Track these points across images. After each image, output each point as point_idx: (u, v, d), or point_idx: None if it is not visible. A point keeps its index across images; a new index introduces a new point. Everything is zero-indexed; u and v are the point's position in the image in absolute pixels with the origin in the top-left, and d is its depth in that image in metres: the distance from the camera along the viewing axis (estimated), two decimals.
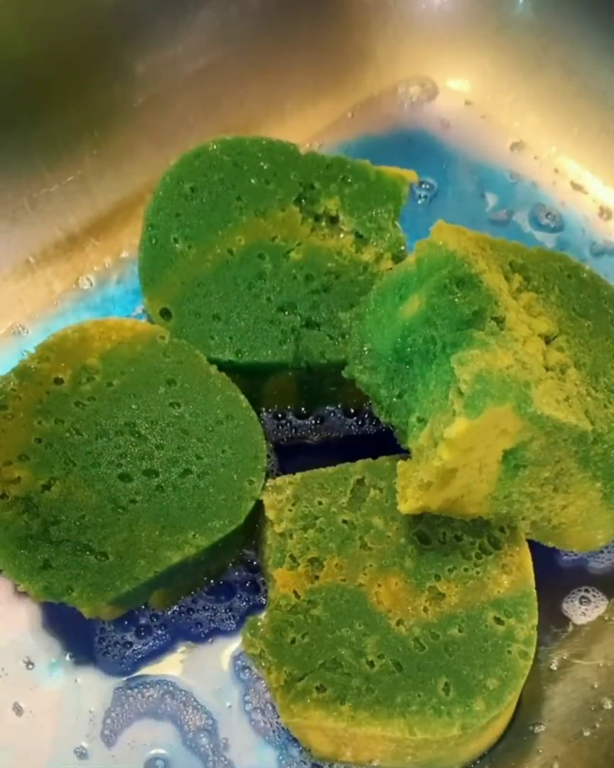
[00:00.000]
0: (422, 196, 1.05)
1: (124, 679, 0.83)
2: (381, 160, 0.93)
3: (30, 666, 0.84)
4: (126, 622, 0.85)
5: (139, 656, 0.84)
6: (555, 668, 0.84)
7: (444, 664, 0.75)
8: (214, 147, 0.91)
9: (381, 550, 0.79)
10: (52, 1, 0.94)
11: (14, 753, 0.81)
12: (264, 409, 0.92)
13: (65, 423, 0.82)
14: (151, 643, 0.84)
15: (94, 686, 0.83)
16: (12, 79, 0.95)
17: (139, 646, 0.84)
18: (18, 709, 0.82)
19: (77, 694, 0.83)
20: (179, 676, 0.84)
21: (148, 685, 0.83)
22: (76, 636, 0.84)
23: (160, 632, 0.85)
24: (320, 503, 0.81)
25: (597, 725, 0.82)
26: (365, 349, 0.79)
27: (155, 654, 0.84)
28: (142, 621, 0.85)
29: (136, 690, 0.83)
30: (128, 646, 0.84)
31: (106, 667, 0.83)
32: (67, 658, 0.84)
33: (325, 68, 1.09)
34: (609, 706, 0.83)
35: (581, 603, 0.86)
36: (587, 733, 0.82)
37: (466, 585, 0.78)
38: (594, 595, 0.87)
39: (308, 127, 1.08)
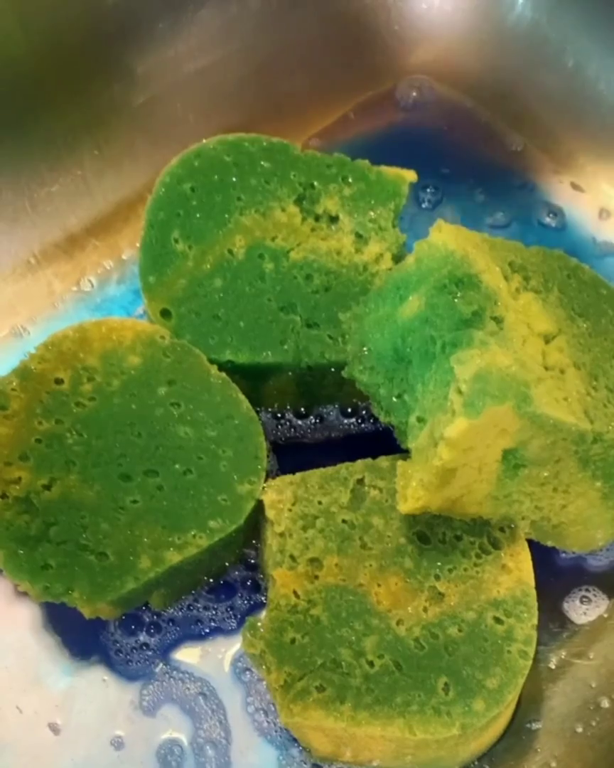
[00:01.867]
0: (426, 199, 1.05)
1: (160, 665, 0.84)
2: (381, 160, 0.93)
3: (40, 668, 0.84)
4: (132, 626, 0.85)
5: (149, 654, 0.84)
6: (554, 668, 0.85)
7: (444, 664, 0.75)
8: (214, 147, 0.91)
9: (381, 550, 0.79)
10: (52, 1, 0.94)
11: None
12: (263, 409, 0.92)
13: (65, 423, 0.82)
14: (154, 642, 0.84)
15: (115, 684, 0.84)
16: (12, 79, 0.95)
17: (151, 644, 0.84)
18: (53, 727, 0.83)
19: (106, 690, 0.84)
20: (177, 675, 0.84)
21: (189, 679, 0.84)
22: (83, 635, 0.85)
23: (158, 631, 0.85)
24: (320, 503, 0.81)
25: (596, 724, 0.82)
26: (365, 349, 0.79)
27: (154, 654, 0.84)
28: (145, 620, 0.85)
29: (175, 675, 0.84)
30: (145, 647, 0.84)
31: (119, 666, 0.84)
32: (76, 657, 0.84)
33: (325, 68, 1.09)
34: (608, 706, 0.83)
35: (582, 603, 0.86)
36: (586, 733, 0.82)
37: (466, 585, 0.78)
38: (595, 595, 0.87)
39: (308, 127, 1.08)
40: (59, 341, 0.84)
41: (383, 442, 0.83)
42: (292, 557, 0.79)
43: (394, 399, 0.79)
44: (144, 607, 0.85)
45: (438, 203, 1.05)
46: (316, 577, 0.78)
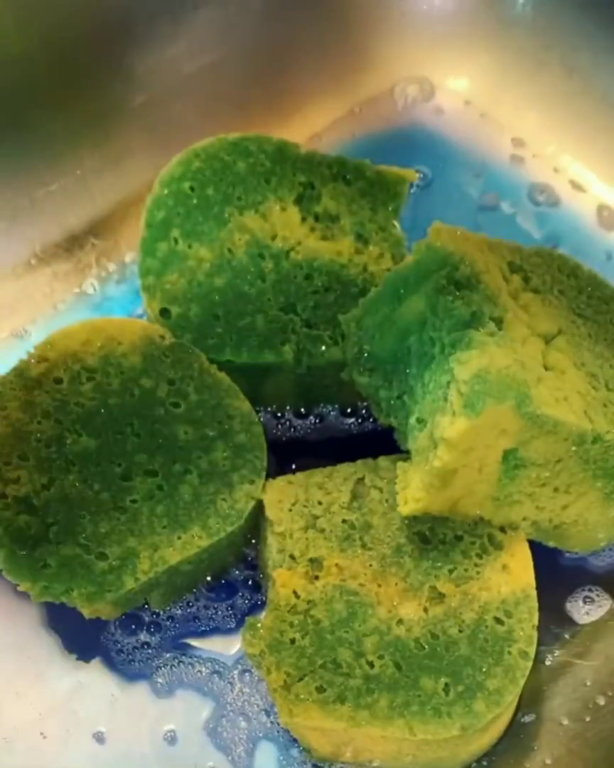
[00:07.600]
0: (426, 199, 1.05)
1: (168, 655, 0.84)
2: (381, 159, 0.93)
3: (41, 668, 0.84)
4: (133, 626, 0.85)
5: (149, 654, 0.84)
6: (555, 668, 0.84)
7: (444, 664, 0.75)
8: (214, 147, 0.91)
9: (381, 550, 0.79)
10: (51, 1, 0.94)
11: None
12: (263, 409, 0.92)
13: (65, 423, 0.82)
14: (154, 641, 0.84)
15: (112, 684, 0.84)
16: (11, 79, 0.95)
17: (152, 644, 0.84)
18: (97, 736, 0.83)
19: (110, 689, 0.84)
20: (180, 674, 0.84)
21: (198, 662, 0.84)
22: (83, 635, 0.85)
23: (159, 630, 0.85)
24: (320, 503, 0.81)
25: (597, 725, 0.82)
26: (364, 351, 0.79)
27: (155, 653, 0.84)
28: (145, 620, 0.85)
29: (184, 663, 0.84)
30: (145, 647, 0.84)
31: (120, 666, 0.84)
32: (77, 657, 0.84)
33: (325, 68, 1.09)
34: (608, 706, 0.83)
35: (585, 603, 0.86)
36: (586, 733, 0.82)
37: (467, 585, 0.78)
38: (598, 595, 0.87)
39: (308, 127, 1.08)
40: (58, 341, 0.84)
41: (383, 442, 0.83)
42: (292, 557, 0.79)
43: (394, 400, 0.79)
44: (144, 607, 0.85)
45: (438, 203, 1.05)
46: (316, 577, 0.78)
